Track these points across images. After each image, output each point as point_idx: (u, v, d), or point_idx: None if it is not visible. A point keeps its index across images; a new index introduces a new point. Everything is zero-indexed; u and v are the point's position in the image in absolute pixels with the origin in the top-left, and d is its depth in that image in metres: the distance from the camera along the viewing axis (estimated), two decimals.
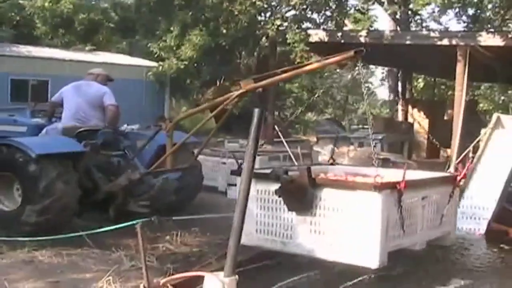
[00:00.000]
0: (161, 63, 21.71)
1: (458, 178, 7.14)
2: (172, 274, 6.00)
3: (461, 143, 12.54)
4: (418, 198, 6.41)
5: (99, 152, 8.98)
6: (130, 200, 8.77)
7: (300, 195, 6.06)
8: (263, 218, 6.53)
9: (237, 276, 5.08)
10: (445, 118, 21.42)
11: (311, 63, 8.34)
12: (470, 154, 12.87)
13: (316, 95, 29.90)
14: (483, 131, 12.83)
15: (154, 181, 8.93)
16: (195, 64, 19.70)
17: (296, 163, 10.44)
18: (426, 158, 19.11)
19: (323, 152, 16.75)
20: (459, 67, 14.04)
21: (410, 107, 22.12)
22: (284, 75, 7.80)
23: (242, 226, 4.95)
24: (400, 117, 22.36)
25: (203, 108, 9.82)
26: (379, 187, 5.84)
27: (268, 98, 19.11)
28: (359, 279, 6.46)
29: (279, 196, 6.16)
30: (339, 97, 36.02)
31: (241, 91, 7.69)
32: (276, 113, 27.24)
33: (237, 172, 6.70)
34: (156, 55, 22.15)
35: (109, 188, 8.72)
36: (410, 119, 21.64)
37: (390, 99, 26.72)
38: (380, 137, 18.07)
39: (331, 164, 8.34)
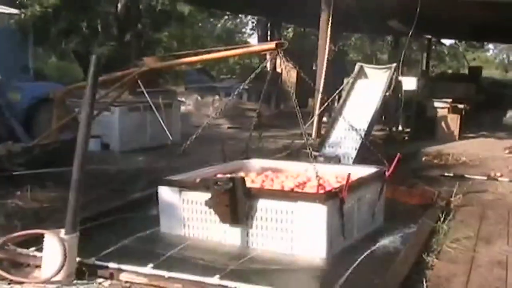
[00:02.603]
0: (23, 10, 20.68)
1: (387, 173, 6.88)
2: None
3: (328, 93, 12.59)
4: (354, 201, 6.16)
5: None
6: (4, 160, 8.29)
7: (233, 207, 5.73)
8: (191, 230, 6.16)
9: (78, 233, 4.91)
10: (313, 68, 21.64)
11: (226, 49, 8.14)
12: (336, 104, 13.07)
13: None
14: (345, 80, 13.02)
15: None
16: (56, 11, 18.94)
17: (157, 114, 10.25)
18: (294, 108, 19.24)
19: (188, 103, 16.65)
20: (323, 17, 14.05)
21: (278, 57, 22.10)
22: (192, 58, 7.52)
23: (81, 179, 4.77)
24: (268, 67, 22.32)
25: (102, 80, 9.43)
26: (324, 198, 5.61)
27: (132, 47, 18.68)
28: None
29: (210, 207, 5.89)
30: (209, 46, 35.62)
31: (144, 69, 7.45)
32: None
33: None
34: (18, 2, 21.17)
35: None
36: (278, 69, 21.68)
37: None
38: (247, 87, 18.04)
39: (245, 158, 7.91)
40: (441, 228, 6.64)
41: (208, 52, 7.82)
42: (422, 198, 8.26)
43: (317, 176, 6.08)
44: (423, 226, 6.69)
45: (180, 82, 24.91)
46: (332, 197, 5.71)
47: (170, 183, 6.32)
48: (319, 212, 5.58)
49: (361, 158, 9.89)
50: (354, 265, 5.31)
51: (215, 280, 4.78)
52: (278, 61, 7.28)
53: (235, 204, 5.73)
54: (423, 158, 12.23)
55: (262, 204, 5.81)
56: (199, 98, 17.05)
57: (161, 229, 6.33)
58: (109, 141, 11.60)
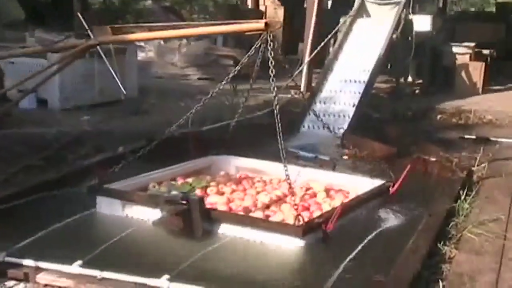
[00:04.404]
0: None
1: (391, 191, 6.56)
2: None
3: (323, 37, 12.17)
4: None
5: None
6: None
7: (188, 230, 5.42)
8: (136, 212, 5.91)
9: None
10: (305, 5, 21.28)
11: (203, 25, 7.70)
12: (331, 49, 12.61)
13: None
14: (342, 19, 12.54)
15: None
16: None
17: (107, 62, 9.86)
18: (281, 54, 18.90)
19: (148, 48, 16.19)
20: None
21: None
22: (157, 33, 7.17)
23: None
24: (250, 4, 22.03)
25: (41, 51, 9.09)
26: (301, 232, 5.27)
27: None
28: None
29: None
30: None
31: (92, 42, 7.03)
32: None
33: None
34: None
35: None
36: (261, 7, 21.34)
37: None
38: None
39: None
40: (462, 208, 6.26)
41: (180, 27, 7.29)
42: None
43: (294, 205, 5.68)
44: (438, 205, 6.35)
45: (142, 23, 24.43)
46: (313, 230, 5.41)
47: (111, 194, 6.05)
48: (294, 247, 5.31)
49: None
50: (345, 262, 4.92)
51: (163, 281, 4.39)
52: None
53: (189, 228, 5.43)
54: (438, 117, 12.14)
55: (224, 231, 5.54)
56: (162, 42, 16.58)
57: (98, 210, 6.04)
58: (46, 96, 11.09)
